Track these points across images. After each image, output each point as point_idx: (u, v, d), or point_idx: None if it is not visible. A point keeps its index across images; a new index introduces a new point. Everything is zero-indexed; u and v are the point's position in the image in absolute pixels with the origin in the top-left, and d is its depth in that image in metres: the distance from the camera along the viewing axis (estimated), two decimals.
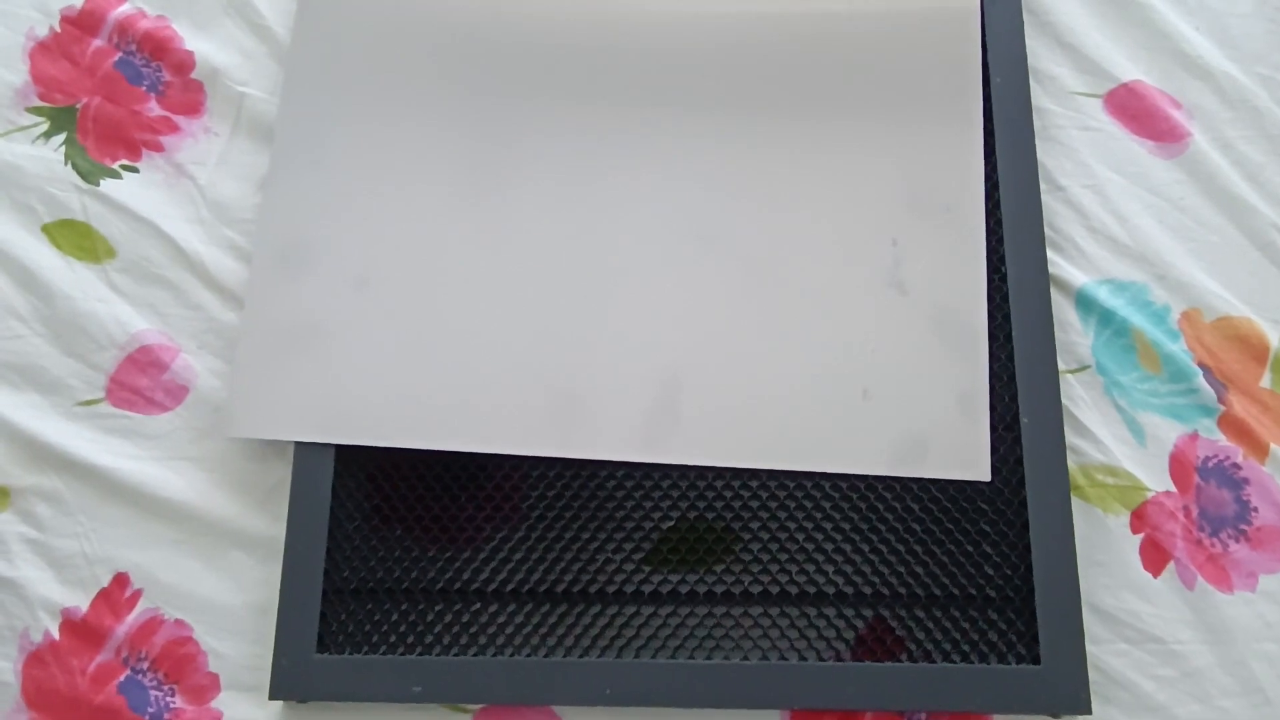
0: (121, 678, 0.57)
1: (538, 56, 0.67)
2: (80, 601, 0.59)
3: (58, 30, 0.70)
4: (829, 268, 0.61)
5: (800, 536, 0.58)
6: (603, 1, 0.68)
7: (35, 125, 0.68)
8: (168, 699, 0.57)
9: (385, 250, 0.63)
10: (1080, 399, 0.60)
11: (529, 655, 0.56)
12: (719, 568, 0.58)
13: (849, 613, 0.56)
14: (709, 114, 0.65)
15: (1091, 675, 0.54)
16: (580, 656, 0.56)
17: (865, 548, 0.57)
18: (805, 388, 0.59)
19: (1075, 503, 0.58)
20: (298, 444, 0.60)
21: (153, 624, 0.58)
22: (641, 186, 0.64)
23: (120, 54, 0.70)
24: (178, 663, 0.58)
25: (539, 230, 0.63)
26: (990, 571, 0.57)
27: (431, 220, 0.64)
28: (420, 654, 0.56)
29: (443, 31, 0.68)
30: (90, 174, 0.67)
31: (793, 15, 0.67)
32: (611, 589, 0.57)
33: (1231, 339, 0.61)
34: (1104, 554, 0.57)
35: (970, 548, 0.57)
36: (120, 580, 0.59)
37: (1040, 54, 0.68)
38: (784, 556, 0.57)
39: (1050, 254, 0.62)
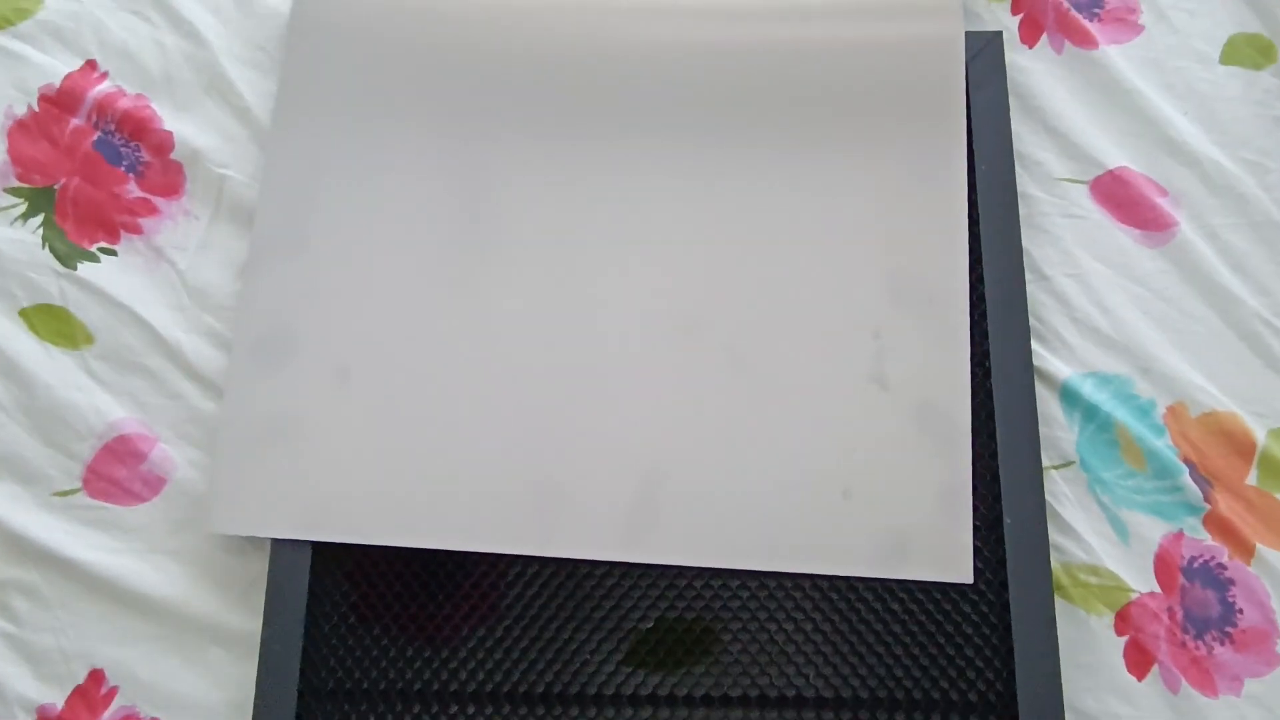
0: None
1: (518, 139, 0.66)
2: (56, 698, 0.58)
3: (36, 109, 0.69)
4: (811, 360, 0.61)
5: (780, 638, 0.57)
6: (577, 47, 0.68)
7: (13, 206, 0.67)
8: None
9: (366, 341, 0.62)
10: (1064, 496, 0.60)
11: None
12: (698, 669, 0.57)
13: (829, 717, 0.56)
14: (691, 197, 0.65)
15: None
16: None
17: (846, 650, 0.57)
18: (786, 486, 0.58)
19: (1058, 603, 0.57)
20: (275, 541, 0.59)
21: None
22: (624, 276, 0.63)
23: (99, 133, 0.69)
24: None
25: (521, 322, 0.63)
26: (972, 675, 0.56)
27: (413, 309, 0.63)
28: None
29: (424, 117, 0.67)
30: (68, 257, 0.66)
31: (775, 85, 0.66)
32: (591, 690, 0.57)
33: (1217, 434, 0.60)
34: (1087, 656, 0.57)
35: (952, 651, 0.57)
36: (96, 677, 0.59)
37: (1026, 139, 0.67)
38: (764, 659, 0.57)
39: (1034, 346, 0.62)
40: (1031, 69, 0.69)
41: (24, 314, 0.65)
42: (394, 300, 0.63)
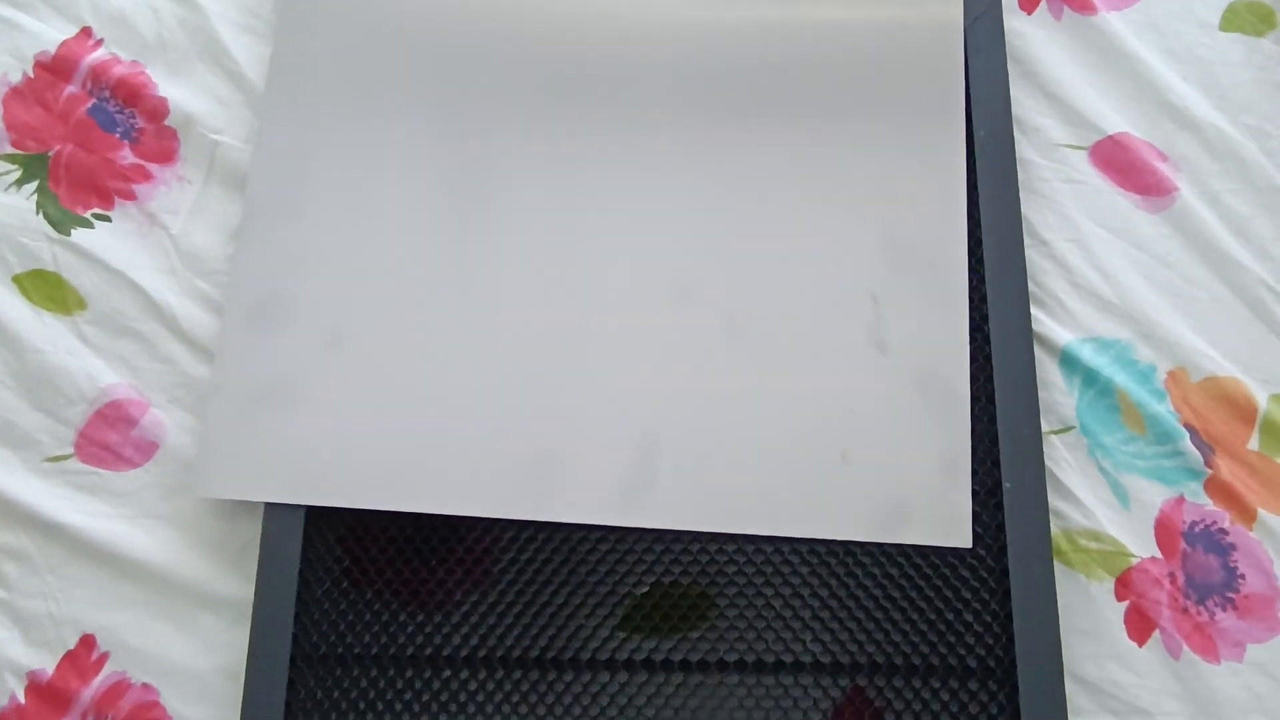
0: None
1: (513, 107, 0.66)
2: (46, 663, 0.58)
3: (31, 76, 0.69)
4: (809, 324, 0.60)
5: (777, 603, 0.57)
6: (576, 20, 0.67)
7: (8, 173, 0.67)
8: None
9: (359, 306, 0.62)
10: (1064, 461, 0.59)
11: None
12: (694, 634, 0.56)
13: (826, 682, 0.55)
14: (689, 166, 0.64)
15: None
16: None
17: (843, 615, 0.56)
18: (784, 450, 0.58)
19: (1058, 568, 0.57)
20: (267, 505, 0.59)
21: (119, 687, 0.57)
22: (621, 240, 0.63)
23: (93, 100, 0.69)
24: None
25: (517, 287, 0.62)
26: (971, 641, 0.56)
27: (406, 274, 0.63)
28: None
29: (418, 82, 0.67)
30: (61, 223, 0.66)
31: (772, 57, 0.66)
32: (585, 656, 0.56)
33: (1219, 399, 0.60)
34: (1087, 622, 0.56)
35: (951, 616, 0.56)
36: (87, 642, 0.58)
37: (1025, 104, 0.66)
38: (761, 624, 0.56)
39: (1034, 311, 0.61)
40: (1030, 35, 0.68)
41: (17, 280, 0.65)
42: (387, 265, 0.63)
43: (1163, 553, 0.57)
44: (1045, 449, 0.58)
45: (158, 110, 0.68)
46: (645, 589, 0.57)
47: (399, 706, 0.55)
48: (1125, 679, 0.55)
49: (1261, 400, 0.60)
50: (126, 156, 0.68)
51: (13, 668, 0.57)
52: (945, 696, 0.55)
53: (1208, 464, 0.58)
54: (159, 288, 0.64)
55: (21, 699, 0.57)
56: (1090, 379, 0.60)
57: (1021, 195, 0.63)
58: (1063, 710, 0.53)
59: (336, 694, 0.56)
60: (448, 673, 0.56)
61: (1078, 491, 0.58)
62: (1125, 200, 0.64)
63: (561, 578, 0.57)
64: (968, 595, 0.56)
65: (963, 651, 0.55)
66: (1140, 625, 0.56)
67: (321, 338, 0.61)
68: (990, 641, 0.55)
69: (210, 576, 0.59)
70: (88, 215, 0.66)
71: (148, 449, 0.62)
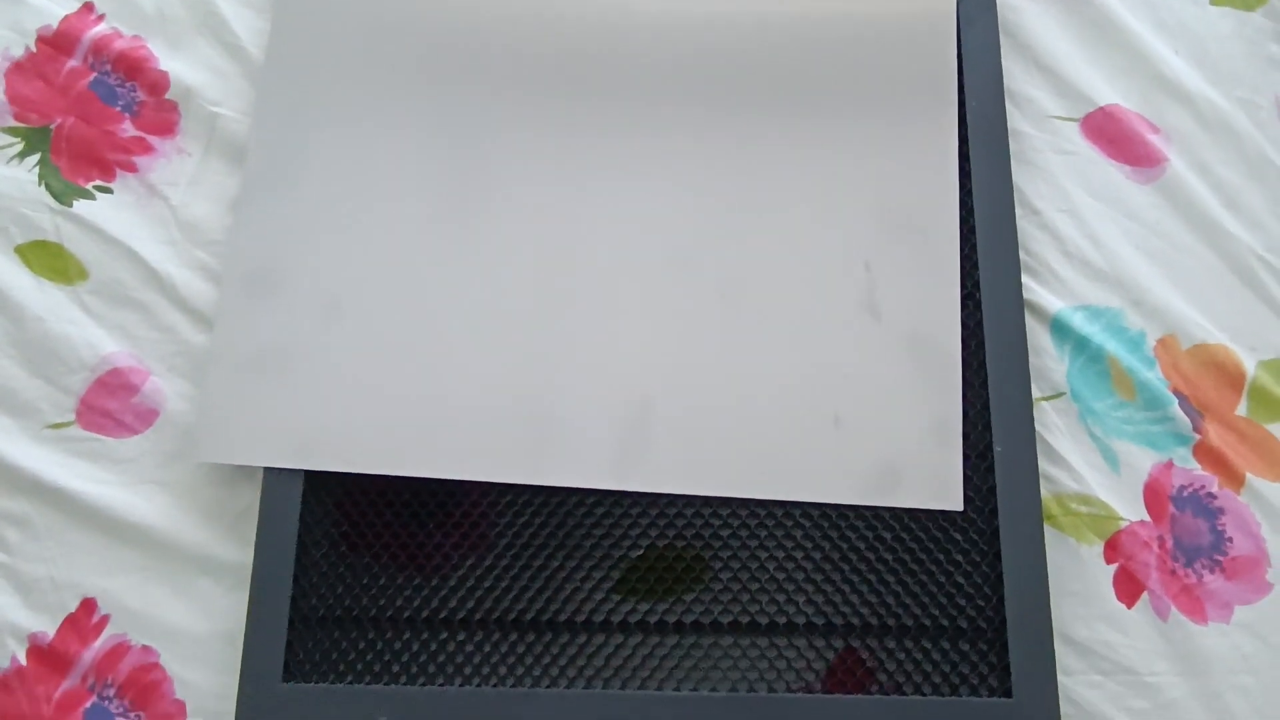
0: (87, 704, 0.57)
1: (510, 79, 0.67)
2: (47, 627, 0.58)
3: (33, 50, 0.70)
4: (802, 291, 0.61)
5: (771, 566, 0.57)
6: (572, 12, 0.68)
7: (10, 146, 0.67)
8: None
9: (357, 274, 0.63)
10: (1054, 426, 0.60)
11: (496, 685, 0.55)
12: (689, 597, 0.57)
13: (819, 644, 0.56)
14: (682, 132, 0.65)
15: (1064, 708, 0.54)
16: (548, 686, 0.55)
17: (836, 577, 0.57)
18: (777, 414, 0.58)
19: (1048, 532, 0.57)
20: (266, 470, 0.59)
21: (119, 650, 0.58)
22: (615, 208, 0.63)
23: (95, 74, 0.69)
24: (144, 690, 0.57)
25: (513, 255, 0.63)
26: (962, 602, 0.56)
27: (404, 244, 0.63)
28: (387, 683, 0.56)
29: (417, 53, 0.67)
30: (63, 195, 0.66)
31: (765, 28, 0.66)
32: (580, 618, 0.57)
33: (1208, 366, 0.60)
34: (1077, 584, 0.57)
35: (942, 578, 0.57)
36: (87, 606, 0.59)
37: (1017, 76, 0.67)
38: (754, 586, 0.57)
39: (1025, 279, 0.62)
40: (1022, 7, 0.69)
41: (19, 250, 0.65)
42: (384, 234, 0.63)
43: (1151, 516, 0.58)
44: (1036, 415, 0.59)
45: (158, 83, 0.69)
46: (640, 552, 0.58)
47: (396, 668, 0.56)
48: (1114, 639, 0.56)
49: (1250, 367, 0.60)
50: (127, 129, 0.68)
51: (14, 631, 0.58)
52: (936, 657, 0.55)
53: (1196, 429, 0.59)
54: (159, 258, 0.65)
55: (23, 661, 0.57)
56: (1081, 346, 0.61)
57: (1014, 166, 0.63)
58: (1052, 670, 0.54)
59: (335, 656, 0.56)
60: (445, 635, 0.57)
61: (1068, 456, 0.59)
62: (1116, 171, 0.65)
63: (557, 541, 0.58)
64: (959, 558, 0.57)
65: (954, 613, 0.56)
66: (1129, 587, 0.57)
67: (319, 305, 0.62)
68: (981, 603, 0.56)
69: (209, 541, 0.60)
70: (89, 187, 0.67)
71: (148, 416, 0.62)
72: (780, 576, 0.57)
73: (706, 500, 0.58)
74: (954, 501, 0.57)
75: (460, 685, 0.55)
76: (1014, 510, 0.57)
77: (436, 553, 0.58)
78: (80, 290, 0.65)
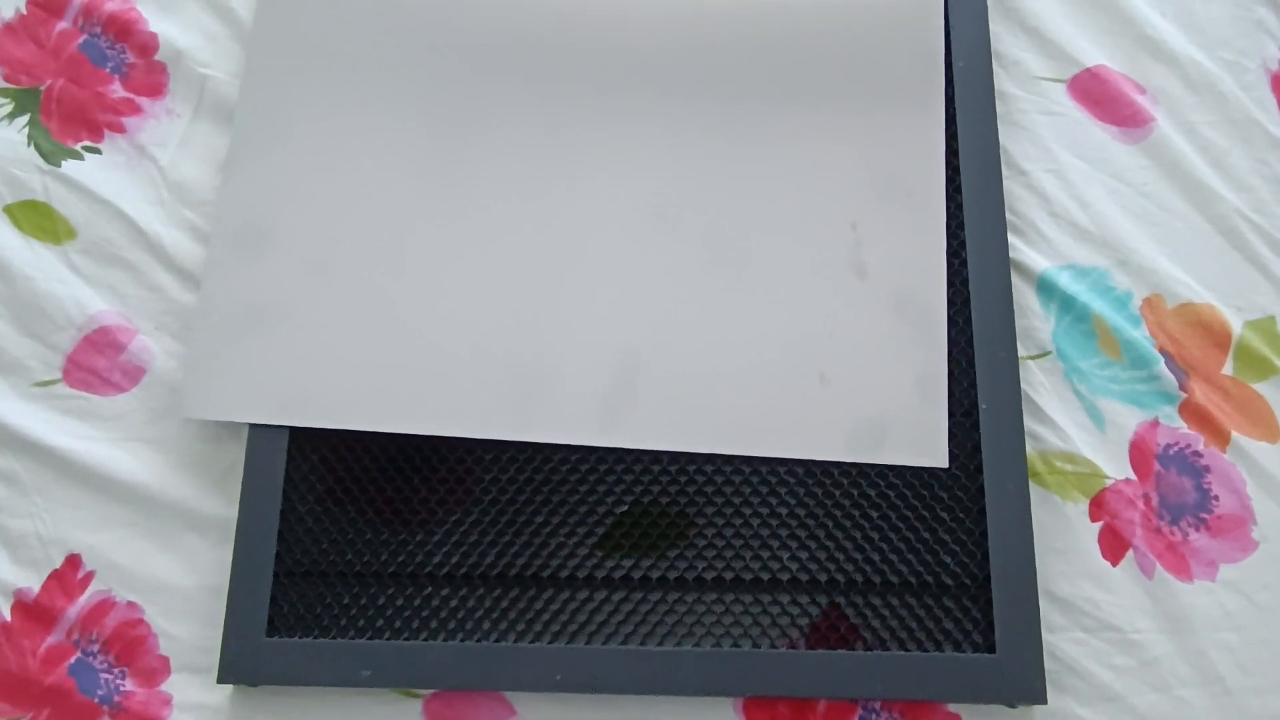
0: (72, 659, 0.57)
1: (501, 42, 0.67)
2: (33, 582, 0.58)
3: (24, 12, 0.70)
4: (788, 250, 0.61)
5: (755, 522, 0.57)
6: None
7: (0, 107, 0.68)
8: (118, 681, 0.56)
9: (343, 234, 0.63)
10: (1040, 385, 0.60)
11: (480, 640, 0.55)
12: (673, 553, 0.57)
13: (804, 600, 0.56)
14: (671, 97, 0.65)
15: (1048, 664, 0.54)
16: (532, 641, 0.55)
17: (821, 534, 0.57)
18: (762, 371, 0.58)
19: (1033, 489, 0.57)
20: (252, 426, 0.59)
21: (104, 606, 0.58)
22: (602, 168, 0.63)
23: (85, 36, 0.69)
24: (129, 645, 0.57)
25: (499, 212, 0.63)
26: (947, 559, 0.56)
27: (390, 203, 0.63)
28: (371, 638, 0.56)
29: (406, 14, 0.67)
30: (52, 155, 0.66)
31: (754, 2, 0.67)
32: (564, 574, 0.57)
33: (1194, 325, 0.60)
34: (1062, 541, 0.57)
35: (927, 534, 0.57)
36: (73, 561, 0.59)
37: (1004, 38, 0.67)
38: (739, 542, 0.57)
39: (1011, 239, 0.62)
40: None
41: (8, 210, 0.65)
42: (371, 193, 0.63)
43: (1137, 475, 0.58)
44: (1023, 373, 0.59)
45: (148, 45, 0.69)
46: (624, 508, 0.58)
47: (380, 623, 0.56)
48: (1099, 596, 0.56)
49: (1236, 326, 0.60)
50: (117, 90, 0.68)
51: (0, 586, 0.58)
52: (921, 613, 0.55)
53: (1182, 388, 0.59)
54: (147, 218, 0.65)
55: (8, 617, 0.57)
56: (1067, 305, 0.61)
57: (1000, 127, 0.64)
58: (1036, 627, 0.54)
59: (319, 610, 0.56)
60: (429, 590, 0.57)
61: (1054, 415, 0.59)
62: (1103, 131, 0.65)
63: (541, 497, 0.58)
64: (944, 514, 0.57)
65: (938, 569, 0.56)
66: (1114, 545, 0.57)
67: (305, 263, 0.62)
68: (966, 560, 0.56)
69: (195, 497, 0.60)
70: (78, 148, 0.67)
71: (135, 374, 0.63)
72: (765, 533, 0.57)
73: (691, 457, 0.58)
74: (939, 458, 0.57)
75: (444, 640, 0.55)
76: (999, 467, 0.57)
77: (421, 508, 0.58)
78: (69, 249, 0.65)
